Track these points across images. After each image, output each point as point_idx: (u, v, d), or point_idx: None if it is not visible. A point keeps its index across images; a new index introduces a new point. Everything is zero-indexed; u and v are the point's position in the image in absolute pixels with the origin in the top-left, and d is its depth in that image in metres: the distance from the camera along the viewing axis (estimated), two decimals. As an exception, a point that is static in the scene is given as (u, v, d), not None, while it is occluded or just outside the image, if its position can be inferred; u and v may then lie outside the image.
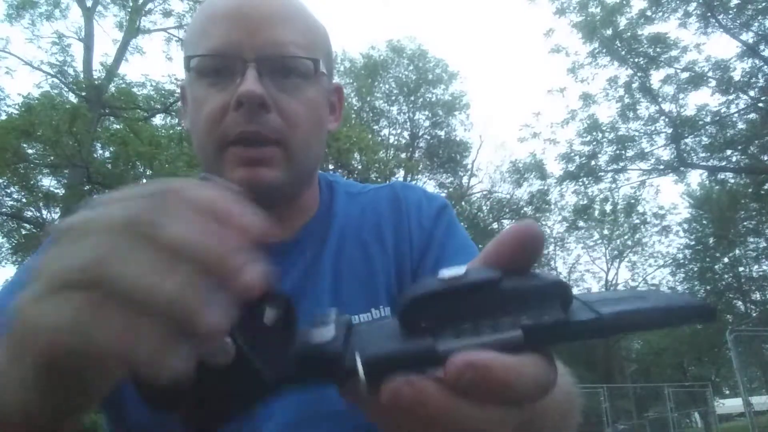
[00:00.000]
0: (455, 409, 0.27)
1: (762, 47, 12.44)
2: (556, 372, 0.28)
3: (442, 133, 20.66)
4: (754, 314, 19.53)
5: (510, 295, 0.28)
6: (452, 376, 0.26)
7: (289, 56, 0.64)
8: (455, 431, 0.27)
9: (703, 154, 14.22)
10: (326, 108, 0.72)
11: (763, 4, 12.03)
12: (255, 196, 0.64)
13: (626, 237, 22.56)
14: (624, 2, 13.68)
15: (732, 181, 14.91)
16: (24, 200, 12.05)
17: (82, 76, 11.62)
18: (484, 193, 21.07)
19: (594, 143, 15.30)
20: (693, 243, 21.24)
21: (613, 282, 23.69)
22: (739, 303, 21.39)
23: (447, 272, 0.28)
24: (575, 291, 0.29)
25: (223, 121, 0.63)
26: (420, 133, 20.68)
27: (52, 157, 10.55)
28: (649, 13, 13.59)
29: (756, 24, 12.48)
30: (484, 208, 20.88)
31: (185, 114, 0.72)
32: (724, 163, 14.16)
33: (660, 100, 14.28)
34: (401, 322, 0.29)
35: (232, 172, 0.63)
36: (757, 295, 21.31)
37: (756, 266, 20.48)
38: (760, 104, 12.82)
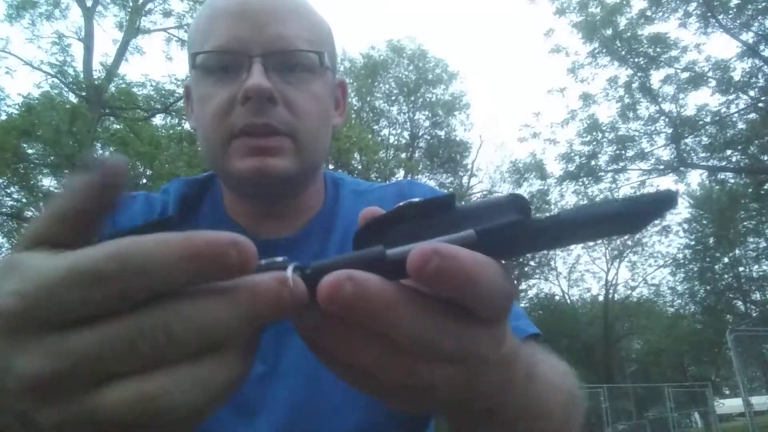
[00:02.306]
0: (401, 313, 0.24)
1: (762, 47, 12.44)
2: (515, 287, 0.27)
3: (442, 133, 20.67)
4: (754, 314, 19.51)
5: (465, 211, 0.27)
6: (416, 264, 0.24)
7: (294, 50, 0.64)
8: (394, 347, 0.25)
9: (703, 154, 14.21)
10: (332, 102, 0.72)
11: (763, 4, 12.02)
12: (264, 186, 0.65)
13: (626, 237, 22.55)
14: (624, 2, 13.67)
15: (732, 181, 14.90)
16: (24, 200, 12.05)
17: (82, 76, 11.61)
18: (484, 193, 21.06)
19: (594, 143, 15.30)
20: (693, 243, 21.23)
21: (613, 282, 23.70)
22: (739, 303, 21.38)
23: (404, 202, 0.28)
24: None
25: (229, 116, 0.62)
26: (420, 133, 20.68)
27: (52, 157, 10.55)
28: (649, 13, 13.58)
29: (756, 24, 12.48)
30: (484, 208, 20.81)
31: (190, 113, 0.72)
32: (724, 163, 14.15)
33: (660, 100, 14.27)
34: (355, 247, 0.28)
35: (241, 162, 0.62)
36: (757, 295, 21.30)
37: (756, 266, 20.49)
38: (760, 104, 12.81)
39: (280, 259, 0.27)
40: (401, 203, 0.28)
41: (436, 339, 0.25)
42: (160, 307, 0.23)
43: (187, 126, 11.51)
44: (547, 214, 0.26)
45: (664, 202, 0.26)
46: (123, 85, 12.05)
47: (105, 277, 0.22)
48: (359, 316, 0.24)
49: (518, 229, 0.26)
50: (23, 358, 0.23)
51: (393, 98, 20.41)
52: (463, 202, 0.26)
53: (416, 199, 0.28)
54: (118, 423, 0.23)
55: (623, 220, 0.26)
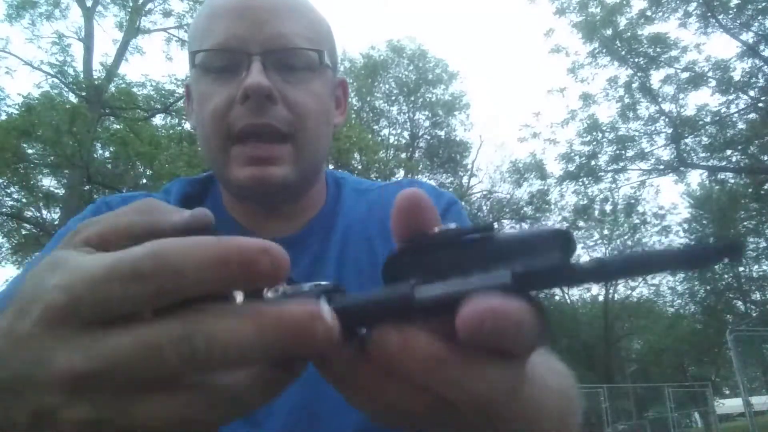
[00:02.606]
0: (448, 361, 0.24)
1: (762, 47, 12.43)
2: (545, 325, 0.26)
3: (442, 133, 20.67)
4: (754, 314, 19.52)
5: (503, 245, 0.25)
6: (470, 325, 0.23)
7: (293, 48, 0.63)
8: (441, 397, 0.25)
9: (703, 154, 14.22)
10: (332, 101, 0.72)
11: (763, 4, 12.02)
12: (263, 195, 0.64)
13: (626, 237, 22.56)
14: (624, 2, 13.68)
15: (732, 181, 14.91)
16: (24, 200, 12.04)
17: (82, 76, 11.60)
18: (484, 193, 21.07)
19: (594, 143, 15.30)
20: (693, 243, 21.20)
21: (613, 282, 23.66)
22: (739, 303, 21.38)
23: (437, 228, 0.27)
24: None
25: (228, 115, 0.62)
26: (420, 133, 20.68)
27: (52, 157, 10.54)
28: (649, 13, 13.59)
29: (756, 24, 12.48)
30: (484, 208, 20.87)
31: (191, 113, 0.72)
32: (724, 163, 14.16)
33: (660, 100, 14.28)
34: (383, 278, 0.27)
35: (240, 170, 0.62)
36: (757, 295, 21.30)
37: (756, 266, 20.49)
38: (760, 104, 12.81)
39: (306, 288, 0.26)
40: (437, 230, 0.26)
41: (472, 388, 0.25)
42: (186, 319, 0.23)
43: (187, 126, 11.51)
44: (591, 259, 0.24)
45: (725, 254, 0.23)
46: (123, 85, 12.03)
47: (143, 274, 0.23)
48: (407, 370, 0.25)
49: (558, 274, 0.24)
50: (62, 353, 0.23)
51: (393, 98, 20.42)
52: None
53: (453, 225, 0.26)
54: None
55: (676, 268, 0.24)
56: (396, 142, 20.11)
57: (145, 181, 11.87)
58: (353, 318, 0.25)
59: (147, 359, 0.23)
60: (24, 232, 12.74)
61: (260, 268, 0.23)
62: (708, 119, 13.67)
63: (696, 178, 20.62)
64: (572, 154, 15.56)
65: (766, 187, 13.56)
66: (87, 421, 0.23)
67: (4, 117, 10.73)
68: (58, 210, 12.08)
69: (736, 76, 12.96)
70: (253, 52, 0.61)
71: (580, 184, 16.12)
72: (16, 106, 10.75)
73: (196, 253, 0.23)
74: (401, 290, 0.24)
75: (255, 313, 0.23)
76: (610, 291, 23.48)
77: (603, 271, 0.24)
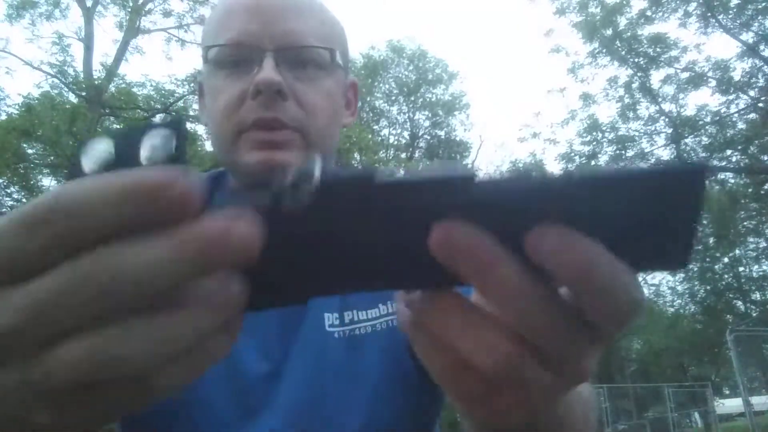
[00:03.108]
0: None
1: (762, 47, 12.44)
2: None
3: (442, 133, 20.70)
4: (754, 314, 19.52)
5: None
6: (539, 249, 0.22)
7: (306, 46, 0.64)
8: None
9: (703, 154, 14.22)
10: (343, 100, 0.72)
11: (763, 4, 12.03)
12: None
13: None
14: (624, 2, 13.69)
15: (732, 181, 14.92)
16: (24, 200, 12.04)
17: (82, 76, 11.60)
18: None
19: (594, 143, 15.31)
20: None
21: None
22: (739, 303, 21.38)
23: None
24: None
25: (240, 110, 0.63)
26: (420, 133, 20.70)
27: (52, 157, 10.54)
28: (649, 13, 13.60)
29: (756, 24, 12.49)
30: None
31: (203, 109, 0.72)
32: (724, 163, 14.17)
33: (660, 100, 14.29)
34: None
35: (249, 155, 0.63)
36: (757, 295, 21.30)
37: (756, 266, 20.50)
38: (760, 104, 12.82)
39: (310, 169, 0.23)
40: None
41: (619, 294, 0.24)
42: (87, 257, 0.20)
43: (186, 126, 11.48)
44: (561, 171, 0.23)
45: (692, 176, 0.22)
46: (123, 85, 12.04)
47: (39, 221, 0.20)
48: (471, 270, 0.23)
49: (521, 177, 0.23)
50: None
51: (393, 98, 20.44)
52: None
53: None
54: (73, 383, 0.21)
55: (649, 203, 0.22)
56: (396, 142, 20.13)
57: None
58: (318, 195, 0.22)
59: (58, 309, 0.20)
60: (24, 232, 12.72)
61: (166, 202, 0.20)
62: (708, 119, 13.68)
63: (696, 178, 20.58)
64: (572, 154, 15.57)
65: (766, 187, 13.56)
66: (20, 386, 0.21)
67: (4, 117, 10.74)
68: (58, 210, 12.05)
69: (736, 76, 12.98)
70: (266, 49, 0.62)
71: (580, 184, 16.11)
72: (16, 106, 10.77)
73: (91, 193, 0.20)
74: (363, 172, 0.23)
75: (164, 233, 0.21)
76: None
77: (570, 181, 0.23)
